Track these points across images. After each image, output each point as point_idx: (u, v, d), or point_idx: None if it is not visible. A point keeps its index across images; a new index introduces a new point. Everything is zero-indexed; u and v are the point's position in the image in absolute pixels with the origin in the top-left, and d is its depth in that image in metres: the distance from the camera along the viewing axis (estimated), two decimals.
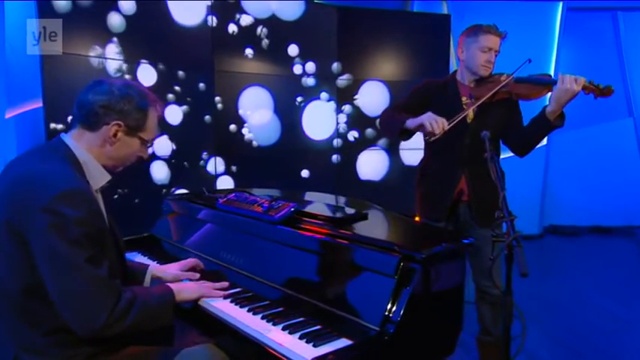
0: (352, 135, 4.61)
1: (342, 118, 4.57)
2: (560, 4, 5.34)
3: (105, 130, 1.40)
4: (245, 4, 4.02)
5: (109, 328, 1.28)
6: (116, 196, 3.41)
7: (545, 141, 5.47)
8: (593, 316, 3.46)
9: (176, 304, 1.51)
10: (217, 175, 4.05)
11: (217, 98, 4.03)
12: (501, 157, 5.54)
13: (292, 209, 1.79)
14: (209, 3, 3.86)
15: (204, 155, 3.99)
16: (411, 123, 2.16)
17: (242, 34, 4.03)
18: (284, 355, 1.33)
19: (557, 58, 5.38)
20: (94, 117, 1.39)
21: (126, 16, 3.46)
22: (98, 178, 1.43)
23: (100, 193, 1.47)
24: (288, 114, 4.32)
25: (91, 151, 1.41)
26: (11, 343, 1.32)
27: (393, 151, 4.65)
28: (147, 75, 3.62)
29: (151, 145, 1.53)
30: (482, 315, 2.49)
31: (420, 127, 2.14)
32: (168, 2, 3.66)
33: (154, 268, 1.76)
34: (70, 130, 1.44)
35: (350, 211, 1.91)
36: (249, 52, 4.09)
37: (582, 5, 5.46)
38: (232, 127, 4.11)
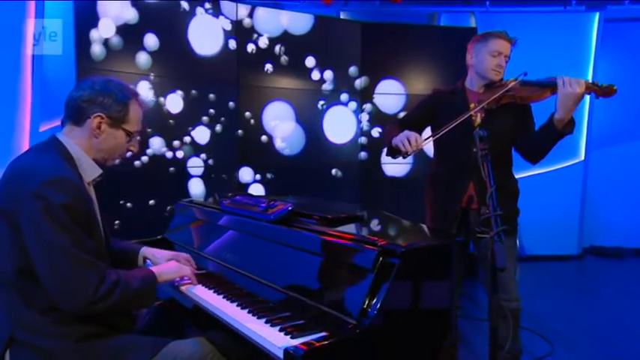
0: (376, 131, 4.66)
1: (365, 116, 4.67)
2: (597, 14, 5.16)
3: (89, 123, 1.49)
4: (258, 25, 4.18)
5: (94, 306, 1.36)
6: (167, 214, 3.58)
7: (582, 156, 5.31)
8: (634, 343, 3.22)
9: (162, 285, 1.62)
10: (249, 184, 4.21)
11: (247, 114, 4.20)
12: (534, 172, 5.42)
13: (289, 209, 1.82)
14: (228, 28, 4.03)
15: (238, 167, 4.19)
16: (393, 141, 2.13)
17: (262, 53, 4.20)
18: (259, 344, 1.36)
19: (594, 70, 5.18)
20: (79, 111, 1.49)
21: (151, 53, 3.63)
22: (90, 171, 1.52)
23: (92, 187, 1.57)
24: (313, 121, 4.45)
25: (81, 146, 1.50)
26: (7, 322, 1.39)
27: None
28: (181, 103, 3.81)
29: (138, 137, 1.61)
30: (497, 331, 2.38)
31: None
32: (189, 34, 3.83)
33: (146, 249, 1.86)
34: (62, 129, 1.53)
35: (346, 211, 1.91)
36: (269, 67, 4.25)
37: (621, 15, 5.27)
38: (264, 138, 4.27)
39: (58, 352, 1.37)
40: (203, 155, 3.92)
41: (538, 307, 3.69)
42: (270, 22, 4.25)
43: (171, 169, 3.73)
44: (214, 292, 1.73)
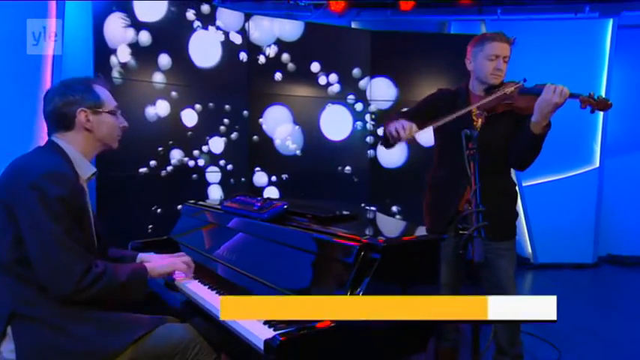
0: (381, 130, 4.76)
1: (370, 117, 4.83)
2: (611, 20, 5.10)
3: (78, 122, 1.58)
4: (266, 36, 4.34)
5: (79, 294, 1.43)
6: None
7: (597, 163, 5.24)
8: None
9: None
10: (264, 187, 4.41)
11: (260, 120, 4.39)
12: (548, 179, 5.33)
13: (283, 207, 1.87)
14: (239, 42, 4.21)
15: (253, 171, 4.39)
16: (387, 127, 2.11)
17: (271, 62, 4.38)
18: (244, 336, 1.42)
19: (608, 77, 5.10)
20: (64, 118, 1.58)
21: (164, 71, 3.83)
22: (85, 170, 1.61)
23: (86, 184, 1.64)
24: (319, 122, 4.64)
25: (78, 146, 1.59)
26: (8, 299, 1.46)
27: None
28: (198, 115, 4.03)
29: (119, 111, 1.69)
30: (497, 333, 2.37)
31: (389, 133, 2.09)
32: (201, 50, 4.00)
33: (142, 256, 1.91)
34: (53, 134, 1.61)
35: (340, 211, 1.95)
36: (278, 75, 4.42)
37: (636, 22, 5.18)
38: (277, 142, 4.47)
39: (58, 322, 1.43)
40: (222, 162, 4.14)
41: None
42: (278, 32, 4.40)
43: (194, 176, 3.99)
44: (209, 287, 1.79)
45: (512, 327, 2.33)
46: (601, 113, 5.15)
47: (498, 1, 5.16)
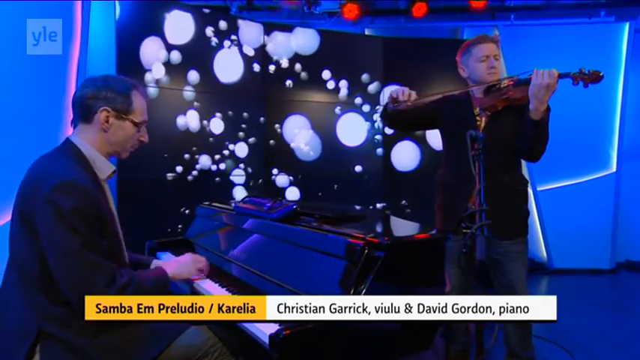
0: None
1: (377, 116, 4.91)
2: (627, 24, 5.05)
3: (97, 118, 1.54)
4: (271, 51, 4.54)
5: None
6: None
7: (613, 168, 5.17)
8: None
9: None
10: (285, 188, 4.61)
11: (276, 126, 4.59)
12: (564, 184, 5.27)
13: (292, 207, 1.92)
14: (251, 54, 4.41)
15: (271, 172, 4.59)
16: (392, 91, 2.26)
17: (285, 71, 4.56)
18: (252, 332, 1.46)
19: (624, 82, 5.05)
20: (86, 109, 1.55)
21: (194, 85, 4.09)
22: (104, 169, 1.58)
23: (107, 183, 1.62)
24: (332, 128, 4.80)
25: (93, 144, 1.56)
26: (34, 315, 1.42)
27: (421, 140, 4.87)
28: (221, 123, 4.27)
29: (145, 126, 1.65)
30: (508, 337, 2.37)
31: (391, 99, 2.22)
32: (214, 65, 4.20)
33: (156, 262, 1.92)
34: (74, 130, 1.60)
35: (349, 212, 1.98)
36: (289, 83, 4.60)
37: None
38: (292, 144, 4.65)
39: (84, 343, 1.42)
40: (241, 165, 4.37)
41: (564, 319, 3.58)
42: (295, 46, 4.58)
43: (217, 179, 4.22)
44: (219, 285, 1.84)
45: (523, 330, 2.32)
46: (617, 116, 5.17)
47: (512, 7, 5.16)
